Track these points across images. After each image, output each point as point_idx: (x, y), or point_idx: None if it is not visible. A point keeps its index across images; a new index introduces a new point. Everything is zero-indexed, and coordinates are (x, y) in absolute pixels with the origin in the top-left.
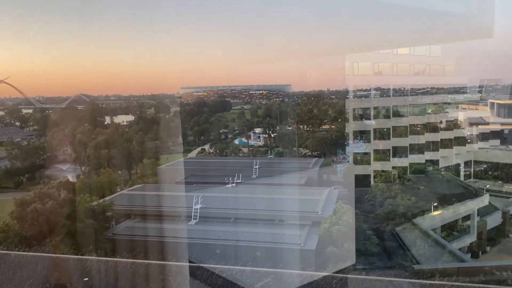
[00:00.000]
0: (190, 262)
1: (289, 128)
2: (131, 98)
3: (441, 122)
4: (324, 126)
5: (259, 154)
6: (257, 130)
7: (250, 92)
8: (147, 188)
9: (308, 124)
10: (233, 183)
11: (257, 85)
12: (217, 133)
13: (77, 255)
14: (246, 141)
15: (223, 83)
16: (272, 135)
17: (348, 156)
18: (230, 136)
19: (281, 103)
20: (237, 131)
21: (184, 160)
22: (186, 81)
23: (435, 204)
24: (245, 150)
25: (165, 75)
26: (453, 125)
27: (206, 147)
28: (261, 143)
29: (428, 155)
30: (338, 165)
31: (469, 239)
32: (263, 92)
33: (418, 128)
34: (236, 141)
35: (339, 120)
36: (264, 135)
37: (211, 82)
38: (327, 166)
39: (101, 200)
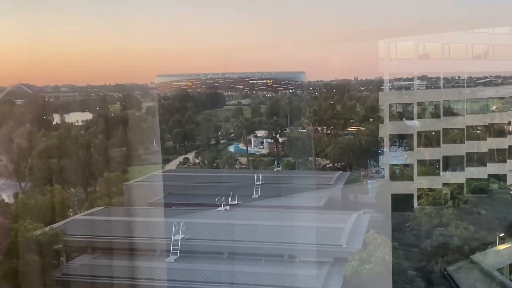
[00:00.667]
0: None
1: (303, 130)
2: (89, 89)
3: (509, 123)
4: (350, 128)
5: (262, 166)
6: (260, 133)
7: (251, 81)
8: (110, 212)
9: (329, 126)
10: (227, 205)
11: (260, 72)
12: (205, 137)
13: None
14: (245, 148)
15: (214, 69)
16: (280, 140)
17: (383, 169)
18: (223, 141)
19: (292, 96)
20: (233, 135)
21: (160, 174)
22: (164, 67)
23: (502, 235)
24: (243, 160)
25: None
26: None
27: (191, 155)
28: (265, 150)
29: (492, 168)
30: (369, 181)
31: None
32: (268, 81)
33: (478, 131)
34: (231, 148)
35: (371, 119)
36: (269, 140)
37: (198, 69)
38: (354, 183)
39: (48, 228)
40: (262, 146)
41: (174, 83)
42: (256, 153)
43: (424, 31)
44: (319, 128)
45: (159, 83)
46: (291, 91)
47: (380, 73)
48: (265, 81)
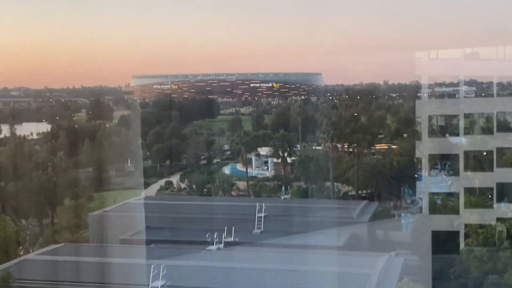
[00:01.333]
0: None
1: (318, 148)
2: (47, 93)
3: None
4: (378, 146)
5: (266, 193)
6: (263, 150)
7: (252, 84)
8: (70, 251)
9: (352, 142)
10: (221, 243)
11: (264, 73)
12: (193, 155)
13: None
14: (244, 169)
15: (206, 69)
16: (289, 160)
17: (420, 199)
18: (216, 160)
19: (305, 104)
20: (229, 153)
21: (136, 202)
22: (143, 67)
23: None
24: (242, 185)
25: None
26: None
27: (175, 179)
28: (269, 173)
29: None
30: (402, 215)
31: None
32: (274, 85)
33: None
34: (227, 170)
35: (405, 135)
36: (274, 160)
37: (185, 68)
38: (383, 216)
39: None
40: (266, 168)
41: (155, 86)
42: (259, 176)
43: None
44: (338, 145)
45: (136, 86)
46: (303, 97)
47: (416, 76)
48: (270, 84)
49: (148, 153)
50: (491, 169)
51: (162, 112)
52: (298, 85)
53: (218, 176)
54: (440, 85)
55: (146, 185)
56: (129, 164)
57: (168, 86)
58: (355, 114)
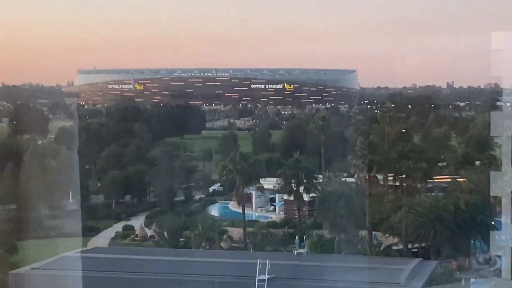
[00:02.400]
0: None
1: (349, 180)
2: None
3: None
4: (438, 178)
5: (272, 245)
6: (269, 182)
7: (254, 85)
8: None
9: (398, 172)
10: None
11: (271, 69)
12: (166, 188)
13: None
14: (240, 209)
15: (187, 62)
16: (306, 197)
17: (499, 257)
18: (199, 196)
19: (332, 115)
20: (218, 185)
21: (78, 256)
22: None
23: None
24: (237, 233)
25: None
26: None
27: (138, 221)
28: (277, 215)
29: None
30: (472, 280)
31: None
32: (286, 86)
33: None
34: (214, 210)
35: (477, 163)
36: (285, 197)
37: (156, 61)
38: (444, 281)
39: None
40: (272, 208)
41: (110, 86)
42: (261, 220)
43: None
44: (379, 177)
45: (83, 86)
46: (329, 105)
47: (494, 77)
48: (280, 85)
49: (99, 184)
50: None
51: (120, 124)
52: (322, 87)
53: (201, 219)
54: None
55: (95, 230)
56: (70, 200)
57: (131, 86)
58: (405, 130)
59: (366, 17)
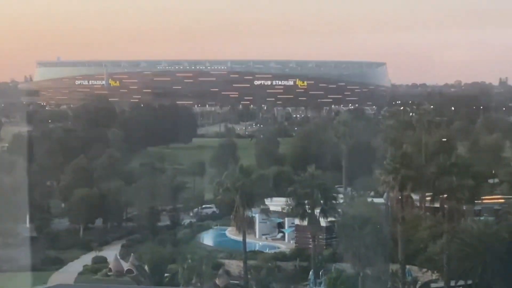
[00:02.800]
0: None
1: (376, 200)
2: None
3: None
4: (488, 199)
5: (281, 283)
6: (277, 203)
7: (258, 81)
8: None
9: (438, 191)
10: None
11: (279, 61)
12: (147, 211)
13: None
14: (240, 237)
15: (173, 53)
16: (323, 222)
17: None
18: (188, 220)
19: (356, 119)
20: (212, 207)
21: None
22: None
23: None
24: (235, 266)
25: None
26: None
27: (112, 252)
28: (287, 245)
29: None
30: None
31: None
32: (299, 83)
33: None
34: (208, 237)
35: None
36: (297, 222)
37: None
38: None
39: None
40: (280, 235)
41: (78, 82)
42: (267, 250)
43: None
44: (414, 196)
45: (44, 81)
46: (351, 106)
47: None
48: (290, 81)
49: (63, 205)
50: None
51: (90, 130)
52: (343, 83)
53: (191, 249)
54: None
55: (58, 263)
56: (26, 225)
57: (103, 82)
58: (446, 139)
59: (400, 6)
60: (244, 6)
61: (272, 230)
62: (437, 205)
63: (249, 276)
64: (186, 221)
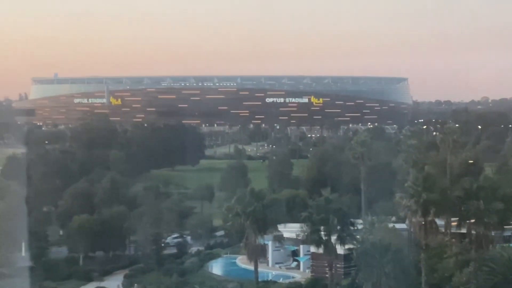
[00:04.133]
0: None
1: (399, 226)
2: None
3: None
4: None
5: None
6: (291, 229)
7: (270, 98)
8: None
9: (464, 216)
10: None
11: (293, 76)
12: (150, 238)
13: None
14: (251, 266)
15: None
16: (341, 250)
17: None
18: (195, 248)
19: (375, 138)
20: (221, 233)
21: None
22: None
23: None
24: None
25: None
26: None
27: (115, 283)
28: (302, 274)
29: None
30: None
31: None
32: (314, 100)
33: None
34: (217, 267)
35: None
36: (312, 249)
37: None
38: None
39: None
40: (294, 264)
41: (77, 101)
42: (280, 280)
43: None
44: (438, 222)
45: (40, 100)
46: (370, 124)
47: None
48: (305, 98)
49: (61, 232)
50: None
51: (90, 152)
52: (361, 100)
53: (199, 279)
54: None
55: None
56: (22, 253)
57: (104, 100)
58: (472, 160)
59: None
60: (254, 20)
61: (286, 258)
62: (463, 230)
63: None
64: (194, 249)
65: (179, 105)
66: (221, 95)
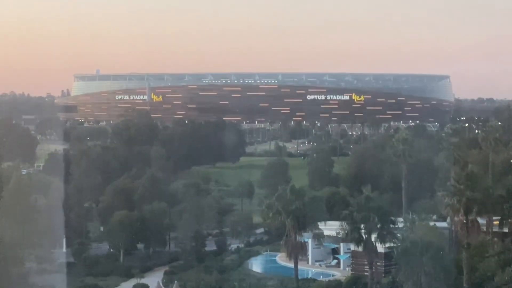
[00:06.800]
0: None
1: (440, 224)
2: None
3: None
4: None
5: None
6: (331, 227)
7: (311, 95)
8: None
9: (506, 214)
10: None
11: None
12: (191, 235)
13: None
14: (291, 263)
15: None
16: (382, 248)
17: None
18: (235, 245)
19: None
20: (261, 231)
21: None
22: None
23: None
24: None
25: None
26: None
27: (155, 279)
28: (342, 272)
29: None
30: None
31: None
32: (355, 97)
33: None
34: (257, 264)
35: None
36: (353, 248)
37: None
38: None
39: None
40: (334, 262)
41: (118, 97)
42: (321, 278)
43: None
44: (481, 221)
45: (81, 96)
46: (411, 122)
47: None
48: (346, 96)
49: (102, 228)
50: None
51: (131, 148)
52: (403, 98)
53: (239, 276)
54: None
55: None
56: (63, 249)
57: (145, 97)
58: None
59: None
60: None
61: (326, 256)
62: (505, 229)
63: None
64: (234, 246)
65: (220, 102)
66: (262, 92)
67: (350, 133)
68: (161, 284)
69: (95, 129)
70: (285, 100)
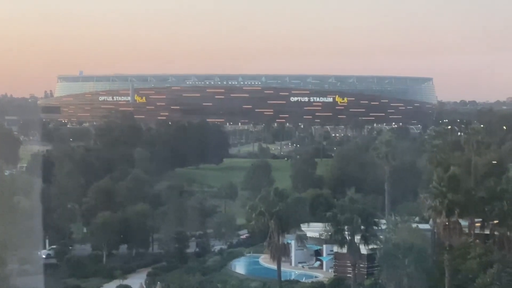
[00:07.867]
0: None
1: (422, 226)
2: None
3: None
4: None
5: None
6: (314, 229)
7: (294, 97)
8: None
9: (488, 217)
10: None
11: (318, 75)
12: (173, 237)
13: None
14: (274, 265)
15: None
16: (365, 250)
17: None
18: (218, 247)
19: (399, 138)
20: (244, 232)
21: None
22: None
23: None
24: None
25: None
26: None
27: (137, 281)
28: (325, 273)
29: None
30: None
31: None
32: (338, 100)
33: None
34: (240, 265)
35: None
36: (336, 249)
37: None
38: None
39: None
40: (317, 263)
41: (102, 98)
42: (303, 280)
43: None
44: (462, 222)
45: (64, 97)
46: (395, 125)
47: None
48: (329, 98)
49: (85, 230)
50: None
51: (114, 150)
52: (386, 100)
53: (222, 278)
54: None
55: None
56: (46, 250)
57: (129, 98)
58: (497, 161)
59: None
60: (280, 19)
61: (309, 258)
62: (487, 232)
63: None
64: (217, 247)
65: (204, 104)
66: (246, 93)
67: (333, 135)
68: (144, 286)
69: (78, 130)
70: (268, 102)
